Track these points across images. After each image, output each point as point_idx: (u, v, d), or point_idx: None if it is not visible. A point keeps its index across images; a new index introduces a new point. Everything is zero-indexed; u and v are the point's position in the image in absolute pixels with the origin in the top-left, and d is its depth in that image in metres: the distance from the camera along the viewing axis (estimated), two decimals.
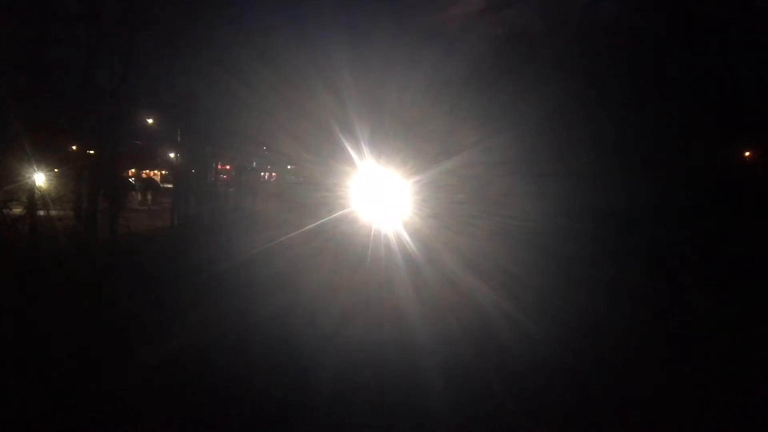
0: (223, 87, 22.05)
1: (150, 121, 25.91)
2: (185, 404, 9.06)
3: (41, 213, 17.35)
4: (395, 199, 19.34)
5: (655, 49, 18.24)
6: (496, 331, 12.36)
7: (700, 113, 17.16)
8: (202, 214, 29.27)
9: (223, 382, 9.75)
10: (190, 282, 16.27)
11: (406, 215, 18.90)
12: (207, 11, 21.62)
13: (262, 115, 22.15)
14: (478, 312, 13.44)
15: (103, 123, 19.62)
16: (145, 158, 35.72)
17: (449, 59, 22.10)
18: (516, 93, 17.64)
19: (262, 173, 40.29)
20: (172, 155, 31.42)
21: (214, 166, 32.69)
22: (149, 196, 36.78)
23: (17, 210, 16.84)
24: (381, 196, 19.67)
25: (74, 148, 19.93)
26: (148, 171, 41.40)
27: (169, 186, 33.95)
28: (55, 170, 17.62)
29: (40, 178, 16.95)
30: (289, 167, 35.56)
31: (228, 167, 37.75)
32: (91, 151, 20.01)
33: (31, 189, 16.58)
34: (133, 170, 37.26)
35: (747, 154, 20.23)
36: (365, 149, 19.46)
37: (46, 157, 16.58)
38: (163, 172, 39.60)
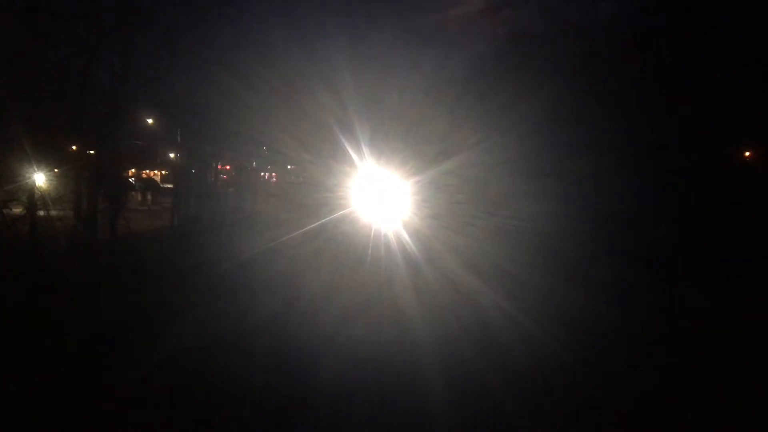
0: (224, 87, 22.05)
1: (150, 121, 25.91)
2: (185, 404, 9.06)
3: (41, 213, 17.35)
4: (395, 200, 19.33)
5: (655, 49, 18.25)
6: (495, 330, 12.36)
7: (701, 113, 17.18)
8: (202, 214, 29.24)
9: (223, 381, 9.76)
10: (191, 281, 16.27)
11: (406, 215, 18.90)
12: (207, 11, 21.66)
13: (262, 115, 22.16)
14: (477, 312, 13.44)
15: (103, 123, 19.63)
16: (145, 158, 35.61)
17: (449, 60, 22.09)
18: (516, 93, 17.64)
19: (262, 173, 40.26)
20: (172, 155, 31.41)
21: (214, 166, 32.67)
22: (149, 196, 36.75)
23: (17, 210, 16.84)
24: (381, 196, 19.65)
25: (74, 148, 19.94)
26: (148, 171, 41.35)
27: (169, 186, 33.92)
28: (55, 170, 17.63)
29: (40, 178, 16.95)
30: (289, 167, 35.53)
31: (228, 167, 37.72)
32: (91, 151, 20.01)
33: (31, 189, 16.59)
34: (133, 170, 37.21)
35: (747, 154, 20.24)
36: (365, 150, 19.46)
37: (46, 157, 16.59)
38: (163, 172, 39.55)
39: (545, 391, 9.68)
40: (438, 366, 10.58)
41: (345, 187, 20.76)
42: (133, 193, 35.14)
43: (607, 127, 17.73)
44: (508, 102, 17.70)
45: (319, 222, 20.24)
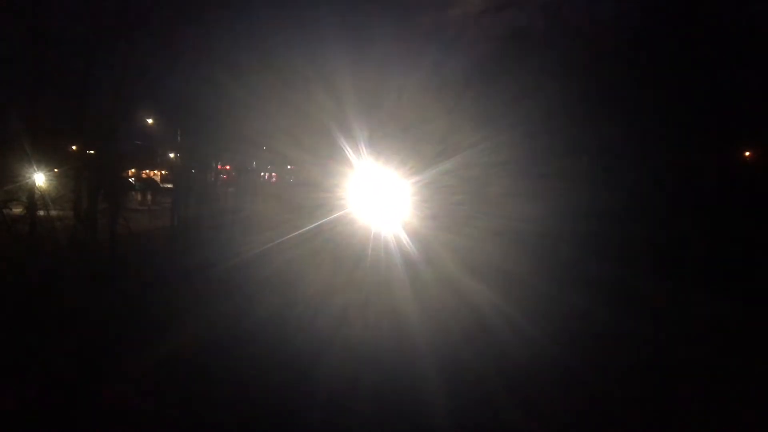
0: (224, 87, 22.05)
1: (150, 121, 25.93)
2: (185, 404, 9.08)
3: (41, 213, 17.36)
4: (394, 200, 19.33)
5: (655, 48, 18.24)
6: (494, 331, 12.37)
7: (701, 113, 17.17)
8: (202, 214, 29.22)
9: (223, 381, 9.77)
10: (191, 281, 16.30)
11: (405, 216, 18.90)
12: (207, 11, 21.64)
13: (262, 115, 22.15)
14: (476, 312, 13.45)
15: (103, 123, 19.63)
16: (145, 158, 35.69)
17: (449, 60, 22.11)
18: (516, 93, 17.64)
19: (262, 173, 40.25)
20: (171, 155, 31.40)
21: (214, 166, 32.66)
22: (149, 196, 36.77)
23: (17, 210, 16.86)
24: (380, 197, 19.65)
25: (74, 148, 19.94)
26: (148, 171, 41.37)
27: (169, 186, 33.93)
28: (55, 170, 17.64)
29: (40, 178, 16.96)
30: (289, 167, 35.54)
31: (228, 167, 37.71)
32: (91, 151, 20.02)
33: (31, 189, 16.59)
34: (133, 170, 37.23)
35: (747, 154, 20.23)
36: (364, 150, 19.47)
37: (46, 157, 16.61)
38: (163, 172, 39.56)
39: (545, 392, 9.69)
40: (436, 367, 10.59)
41: (344, 187, 20.77)
42: (133, 193, 35.17)
43: (606, 127, 17.73)
44: (508, 102, 17.70)
45: (319, 222, 20.24)
